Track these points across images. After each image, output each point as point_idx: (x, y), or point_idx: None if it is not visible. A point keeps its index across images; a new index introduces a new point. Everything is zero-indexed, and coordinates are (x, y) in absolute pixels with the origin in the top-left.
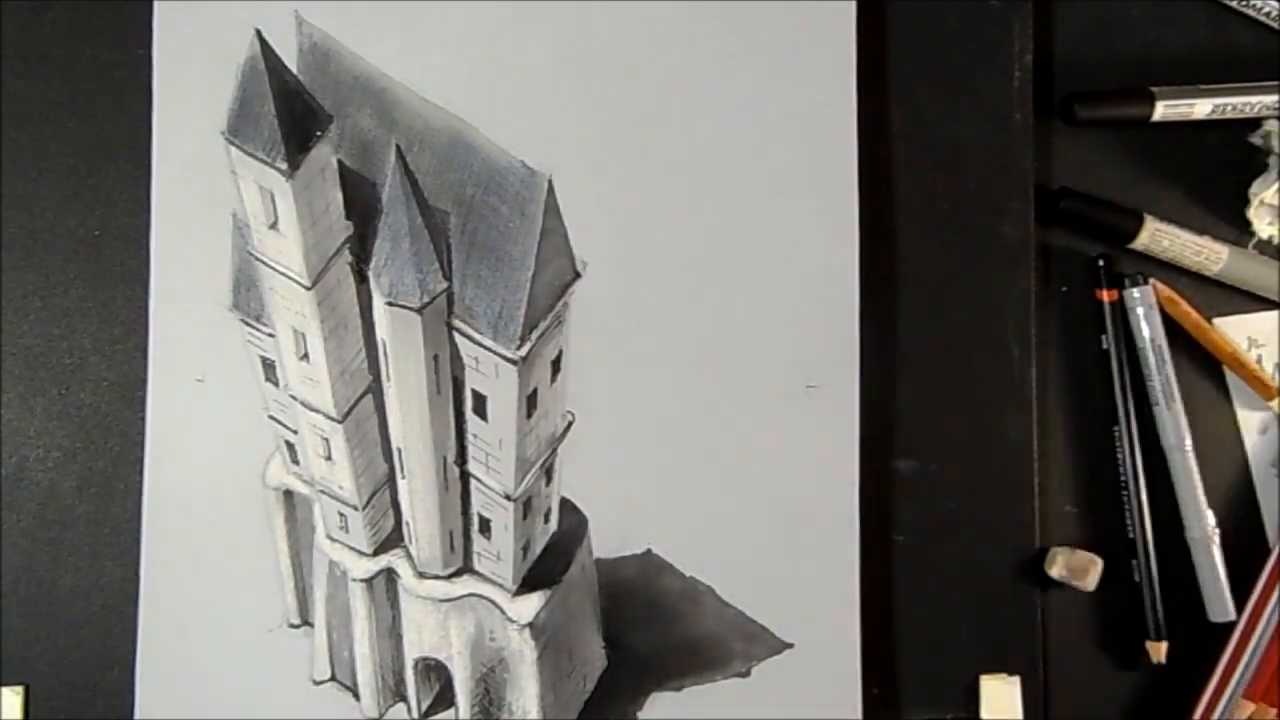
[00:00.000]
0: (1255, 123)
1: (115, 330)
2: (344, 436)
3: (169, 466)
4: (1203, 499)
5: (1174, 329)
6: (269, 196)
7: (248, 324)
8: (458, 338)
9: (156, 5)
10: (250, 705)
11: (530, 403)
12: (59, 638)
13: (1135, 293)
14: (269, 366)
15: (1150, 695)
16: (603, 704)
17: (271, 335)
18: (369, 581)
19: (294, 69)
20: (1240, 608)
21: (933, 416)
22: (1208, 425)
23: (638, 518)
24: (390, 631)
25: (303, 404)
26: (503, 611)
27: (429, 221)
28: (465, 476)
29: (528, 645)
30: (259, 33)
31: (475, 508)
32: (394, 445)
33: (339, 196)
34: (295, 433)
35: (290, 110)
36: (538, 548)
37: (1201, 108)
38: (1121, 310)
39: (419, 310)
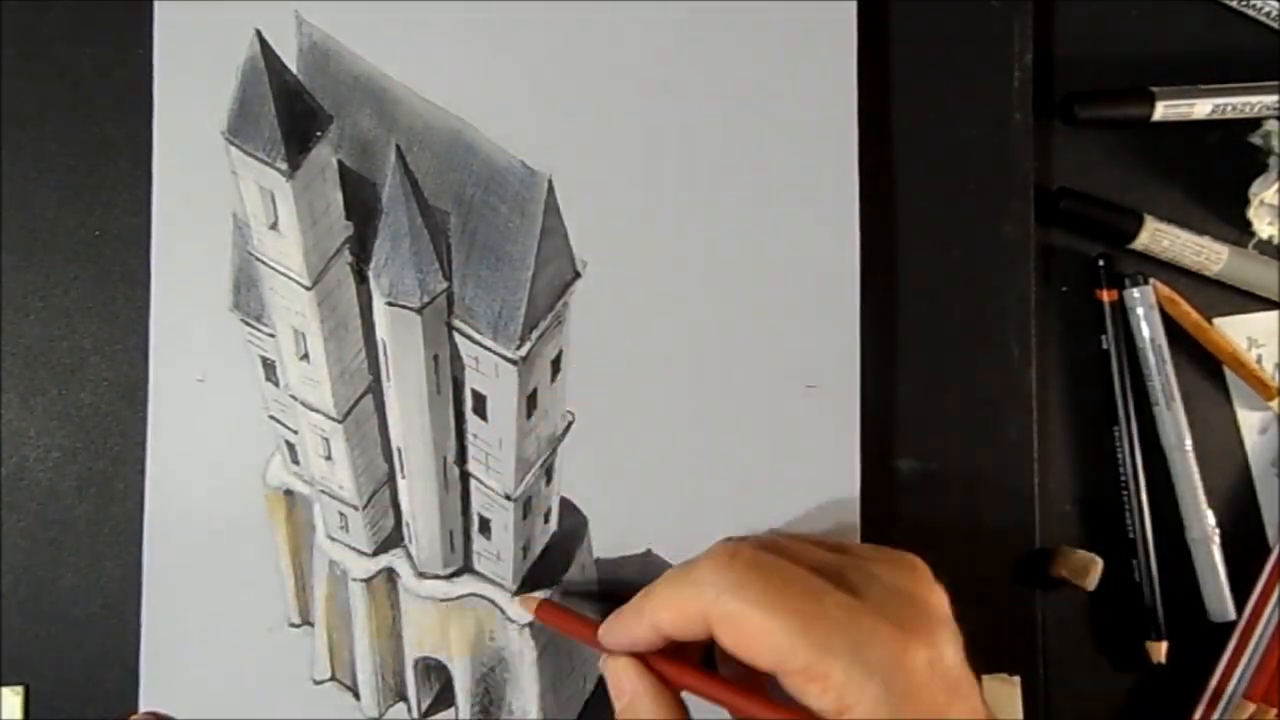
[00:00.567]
0: (1255, 123)
1: (115, 330)
2: (344, 436)
3: (169, 466)
4: (1203, 499)
5: (1174, 329)
6: (269, 196)
7: (248, 324)
8: (458, 338)
9: (156, 5)
10: (250, 705)
11: (530, 403)
12: (59, 638)
13: (1135, 293)
14: (269, 366)
15: (1150, 695)
16: (603, 704)
17: (272, 335)
18: (369, 581)
19: (294, 69)
20: (1240, 608)
21: (933, 416)
22: (1208, 425)
23: (638, 518)
24: (390, 631)
25: (303, 404)
26: (503, 611)
27: (429, 221)
28: (465, 476)
29: (528, 645)
30: (259, 33)
31: (475, 508)
32: (394, 445)
33: (339, 196)
34: (295, 433)
35: (290, 110)
36: (538, 548)
37: (1201, 108)
38: (1121, 310)
39: (419, 310)
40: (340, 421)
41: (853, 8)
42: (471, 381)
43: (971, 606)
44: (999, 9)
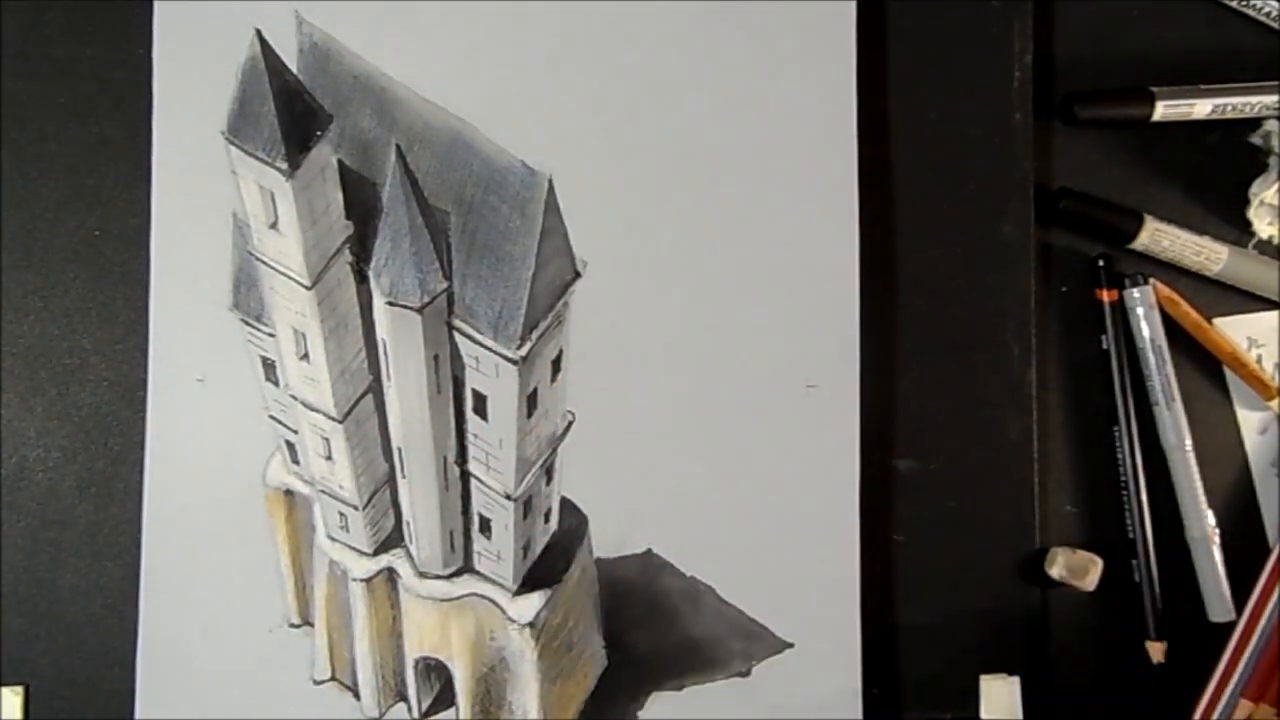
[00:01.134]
0: (1255, 123)
1: (115, 330)
2: (344, 436)
3: (169, 466)
4: (1203, 499)
5: (1174, 329)
6: (269, 196)
7: (248, 324)
8: (458, 337)
9: (156, 5)
10: (250, 705)
11: (530, 402)
12: (59, 638)
13: (1135, 293)
14: (269, 366)
15: (1150, 695)
16: (603, 704)
17: (272, 335)
18: (369, 581)
19: (294, 69)
20: (1240, 608)
21: (933, 416)
22: (1208, 425)
23: (638, 518)
24: (390, 631)
25: (303, 404)
26: (503, 611)
27: (429, 221)
28: (465, 476)
29: (528, 645)
30: (259, 33)
31: (475, 507)
32: (394, 445)
33: (339, 196)
34: (295, 432)
35: (290, 110)
36: (538, 547)
37: (1201, 108)
38: (1121, 310)
39: (419, 310)
40: (340, 421)
41: (852, 8)
42: (472, 381)
43: (971, 606)
44: (999, 9)
